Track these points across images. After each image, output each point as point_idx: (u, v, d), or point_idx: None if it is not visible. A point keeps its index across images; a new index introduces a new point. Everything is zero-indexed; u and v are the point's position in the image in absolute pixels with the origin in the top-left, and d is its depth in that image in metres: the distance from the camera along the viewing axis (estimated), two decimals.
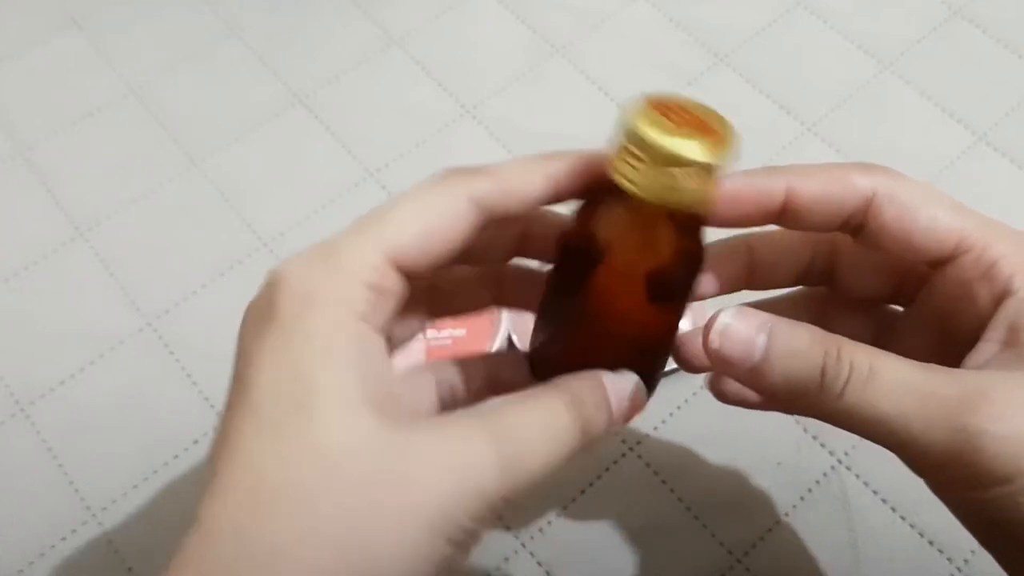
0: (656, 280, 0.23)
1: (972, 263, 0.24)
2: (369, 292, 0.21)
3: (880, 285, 0.28)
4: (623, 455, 0.38)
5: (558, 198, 0.24)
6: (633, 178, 0.22)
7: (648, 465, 0.38)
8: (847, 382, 0.22)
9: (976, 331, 0.24)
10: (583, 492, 0.38)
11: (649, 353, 0.26)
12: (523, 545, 0.37)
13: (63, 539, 0.37)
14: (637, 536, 0.37)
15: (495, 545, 0.37)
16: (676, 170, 0.21)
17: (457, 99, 0.49)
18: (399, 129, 0.47)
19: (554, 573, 0.36)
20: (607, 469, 0.38)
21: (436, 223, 0.22)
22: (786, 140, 0.46)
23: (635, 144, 0.21)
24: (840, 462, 0.38)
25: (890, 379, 0.22)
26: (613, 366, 0.25)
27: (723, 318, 0.23)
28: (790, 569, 0.36)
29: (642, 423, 0.39)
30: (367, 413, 0.20)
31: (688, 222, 0.23)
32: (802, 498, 0.37)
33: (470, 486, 0.20)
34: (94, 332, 0.42)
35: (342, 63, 0.50)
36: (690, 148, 0.21)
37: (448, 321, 0.39)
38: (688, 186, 0.22)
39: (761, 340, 0.23)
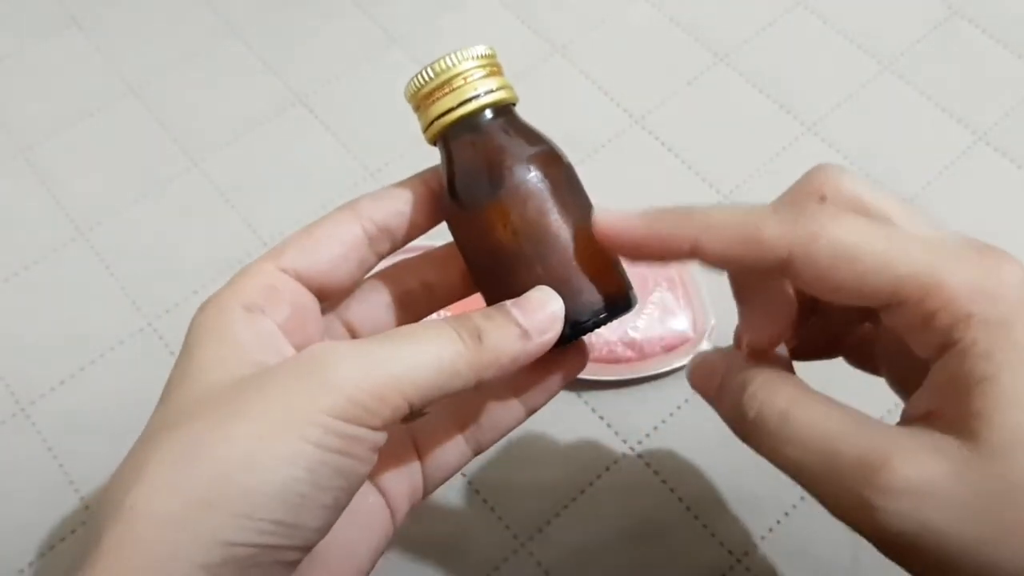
0: (462, 184, 0.26)
1: (909, 314, 0.22)
2: (260, 288, 0.26)
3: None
4: (623, 455, 0.38)
5: (431, 197, 0.28)
6: (422, 126, 0.27)
7: (648, 465, 0.38)
8: (757, 427, 0.23)
9: (925, 368, 0.23)
10: (583, 492, 0.38)
11: (532, 255, 0.25)
12: (523, 545, 0.37)
13: (63, 539, 0.37)
14: (637, 536, 0.37)
15: (495, 545, 0.37)
16: (423, 103, 0.26)
17: None
18: (399, 129, 0.47)
19: (554, 573, 0.36)
20: (607, 469, 0.38)
21: (313, 236, 0.27)
22: (786, 140, 0.46)
23: (412, 102, 0.27)
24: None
25: (800, 429, 0.23)
26: (524, 286, 0.25)
27: (694, 358, 0.28)
28: (790, 569, 0.36)
29: (641, 423, 0.39)
30: (225, 370, 0.23)
31: (465, 127, 0.26)
32: (802, 497, 0.37)
33: (317, 390, 0.22)
34: (95, 332, 0.42)
35: (342, 63, 0.50)
36: (412, 83, 0.26)
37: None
38: (434, 109, 0.26)
39: (718, 379, 0.26)
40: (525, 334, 0.24)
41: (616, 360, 0.39)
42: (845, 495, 0.21)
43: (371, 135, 0.48)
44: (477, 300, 0.28)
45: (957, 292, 0.21)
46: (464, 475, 0.38)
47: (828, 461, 0.22)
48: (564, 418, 0.39)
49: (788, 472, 0.23)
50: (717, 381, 0.26)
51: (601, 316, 0.25)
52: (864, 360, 0.30)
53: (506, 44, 0.53)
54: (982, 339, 0.21)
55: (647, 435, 0.39)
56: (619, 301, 0.26)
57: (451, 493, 0.38)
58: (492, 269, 0.26)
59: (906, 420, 0.23)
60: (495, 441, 0.29)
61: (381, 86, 0.49)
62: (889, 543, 0.21)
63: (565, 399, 0.40)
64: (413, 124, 0.28)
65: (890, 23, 0.50)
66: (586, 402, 0.40)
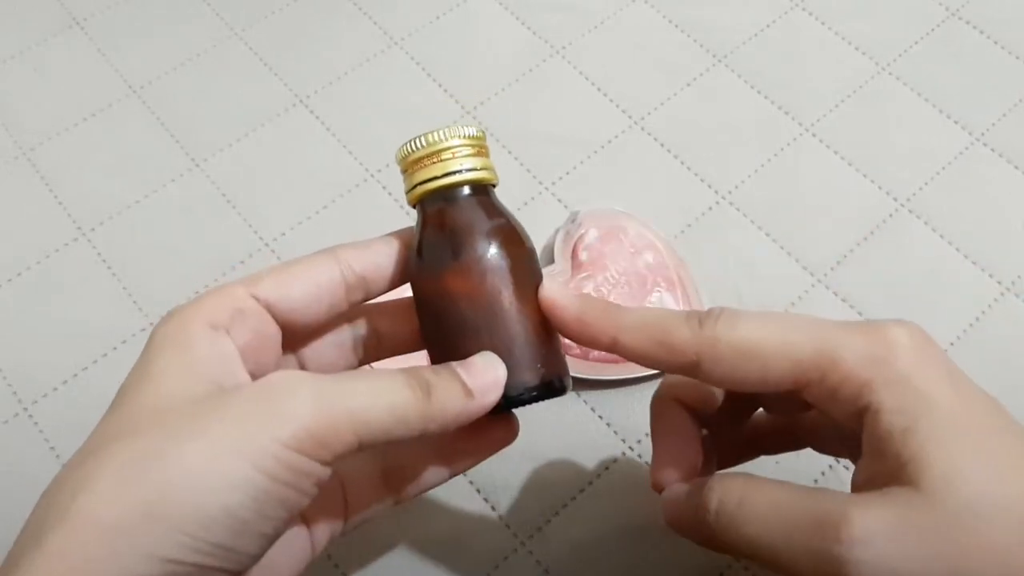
0: (429, 248, 0.27)
1: (817, 392, 0.24)
2: (228, 310, 0.26)
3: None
4: (622, 454, 0.39)
5: (408, 254, 0.28)
6: (405, 188, 0.28)
7: (647, 464, 0.38)
8: (719, 519, 0.25)
9: (855, 438, 0.24)
10: (582, 491, 0.38)
11: (482, 324, 0.27)
12: (522, 544, 0.37)
13: None
14: (636, 534, 0.37)
15: (495, 543, 0.37)
16: (411, 168, 0.28)
17: (457, 100, 0.49)
18: (399, 129, 0.47)
19: (553, 572, 0.36)
20: (606, 468, 0.38)
21: (291, 272, 0.27)
22: (784, 141, 0.46)
23: (401, 165, 0.28)
24: (838, 460, 0.38)
25: (757, 508, 0.24)
26: (469, 351, 0.26)
27: (664, 496, 0.29)
28: None
29: (641, 423, 0.39)
30: (182, 383, 0.24)
31: (442, 198, 0.27)
32: None
33: (275, 419, 0.22)
34: (96, 332, 0.42)
35: (342, 63, 0.50)
36: (402, 150, 0.28)
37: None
38: (420, 175, 0.27)
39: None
40: (469, 393, 0.25)
41: (616, 360, 0.39)
42: (813, 559, 0.22)
43: (371, 135, 0.48)
44: (422, 356, 0.29)
45: (851, 364, 0.23)
46: (464, 474, 0.38)
47: (790, 531, 0.23)
48: (564, 418, 0.39)
49: (757, 557, 0.24)
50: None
51: (534, 394, 0.27)
52: (828, 445, 0.31)
53: (506, 44, 0.53)
54: (887, 398, 0.23)
55: (646, 434, 0.39)
56: (554, 383, 0.27)
57: (451, 492, 0.38)
58: (443, 331, 0.27)
59: (854, 490, 0.24)
60: (416, 496, 0.30)
61: (381, 87, 0.49)
62: None
63: (565, 398, 0.40)
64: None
65: (888, 25, 0.50)
66: (586, 402, 0.40)
